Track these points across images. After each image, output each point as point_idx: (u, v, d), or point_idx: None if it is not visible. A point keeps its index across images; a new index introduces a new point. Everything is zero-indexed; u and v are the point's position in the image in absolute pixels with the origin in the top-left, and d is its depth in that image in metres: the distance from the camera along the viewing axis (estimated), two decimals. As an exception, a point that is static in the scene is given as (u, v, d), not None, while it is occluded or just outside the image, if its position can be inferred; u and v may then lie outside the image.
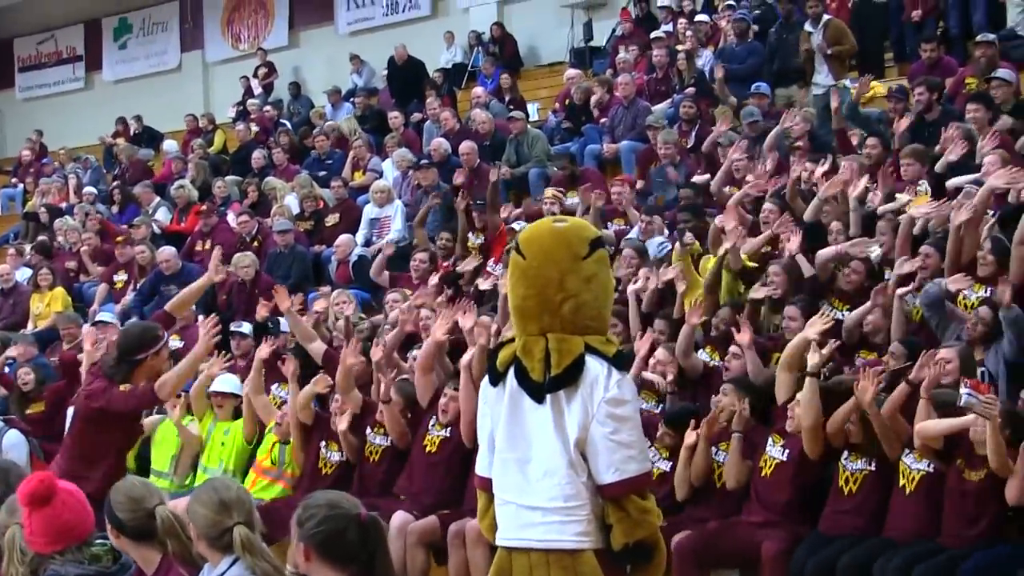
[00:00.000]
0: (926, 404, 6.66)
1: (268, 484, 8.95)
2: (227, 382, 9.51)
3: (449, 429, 8.21)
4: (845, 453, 7.03)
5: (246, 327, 10.55)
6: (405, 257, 11.94)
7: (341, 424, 8.53)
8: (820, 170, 9.99)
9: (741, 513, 7.28)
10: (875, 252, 8.68)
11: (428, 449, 8.30)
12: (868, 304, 8.07)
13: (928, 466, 6.73)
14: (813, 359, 7.12)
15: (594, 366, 4.09)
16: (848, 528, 6.88)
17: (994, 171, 8.60)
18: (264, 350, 9.34)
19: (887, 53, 13.95)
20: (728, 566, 7.24)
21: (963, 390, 6.32)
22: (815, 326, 7.37)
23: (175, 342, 10.99)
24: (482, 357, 7.83)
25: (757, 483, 7.26)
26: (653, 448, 7.55)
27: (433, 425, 8.32)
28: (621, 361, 4.17)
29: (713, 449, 7.45)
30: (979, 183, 8.64)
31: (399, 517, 7.92)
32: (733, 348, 8.07)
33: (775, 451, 7.23)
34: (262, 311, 10.25)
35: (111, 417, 6.84)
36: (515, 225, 11.44)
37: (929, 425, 6.62)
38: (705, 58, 14.39)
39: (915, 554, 6.45)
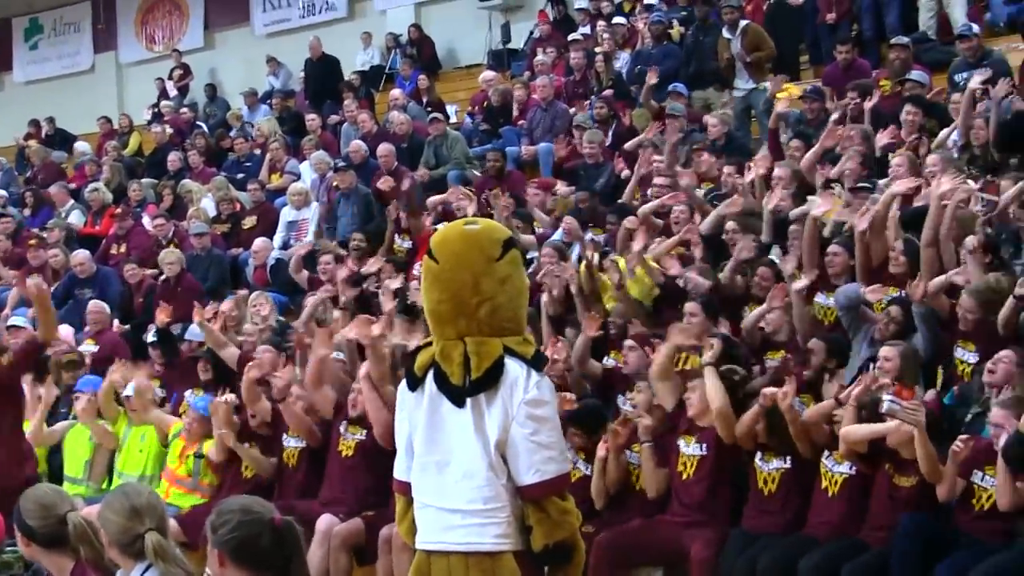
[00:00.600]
0: (851, 410, 6.70)
1: (184, 494, 8.83)
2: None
3: (365, 432, 8.16)
4: (759, 454, 7.07)
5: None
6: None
7: (227, 441, 8.52)
8: (750, 176, 10.02)
9: (664, 513, 7.29)
10: (790, 264, 8.68)
11: (344, 453, 8.26)
12: (764, 305, 8.17)
13: (850, 468, 6.78)
14: (708, 353, 7.18)
15: (513, 368, 4.08)
16: (771, 526, 6.92)
17: (900, 173, 8.72)
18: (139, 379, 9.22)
19: (803, 56, 14.10)
20: (651, 564, 7.24)
21: (885, 396, 6.38)
22: (680, 334, 7.49)
23: (89, 346, 10.85)
24: (378, 365, 7.89)
25: (678, 487, 7.25)
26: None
27: (346, 429, 8.28)
28: (540, 362, 4.17)
29: (627, 452, 7.46)
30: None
31: (325, 520, 7.87)
32: (628, 342, 8.13)
33: (691, 449, 7.23)
34: (161, 316, 10.17)
35: None
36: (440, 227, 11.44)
37: (852, 431, 6.66)
38: (622, 60, 14.48)
39: (838, 551, 6.49)
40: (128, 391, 9.26)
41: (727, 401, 7.09)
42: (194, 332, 10.30)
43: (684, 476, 7.24)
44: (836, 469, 6.83)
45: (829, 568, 6.43)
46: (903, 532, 6.33)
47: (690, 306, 8.30)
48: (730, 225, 9.26)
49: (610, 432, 7.40)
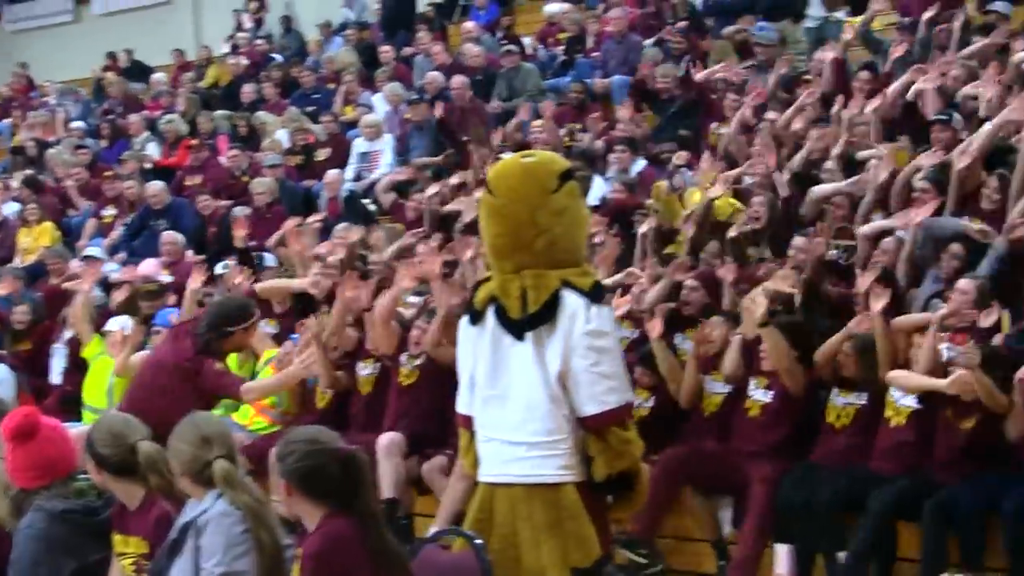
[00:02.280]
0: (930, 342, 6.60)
1: (266, 425, 8.90)
2: None
3: (422, 359, 8.18)
4: (835, 389, 7.00)
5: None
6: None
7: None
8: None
9: (731, 442, 7.22)
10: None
11: (404, 383, 8.25)
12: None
13: (916, 401, 6.70)
14: (758, 314, 7.04)
15: (571, 300, 4.11)
16: (839, 462, 6.83)
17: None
18: None
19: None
20: (718, 492, 7.19)
21: (944, 346, 6.41)
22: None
23: (166, 276, 10.95)
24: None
25: (745, 422, 7.19)
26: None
27: (407, 360, 8.27)
28: (598, 293, 4.19)
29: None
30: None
31: (386, 437, 7.86)
32: (689, 282, 8.03)
33: (759, 394, 7.17)
34: (239, 232, 10.15)
35: (195, 385, 7.00)
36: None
37: (899, 378, 6.66)
38: (698, -8, 14.28)
39: (911, 487, 6.42)
40: None
41: (792, 358, 6.99)
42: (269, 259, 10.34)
43: (751, 414, 7.17)
44: (902, 401, 6.72)
45: (902, 504, 6.40)
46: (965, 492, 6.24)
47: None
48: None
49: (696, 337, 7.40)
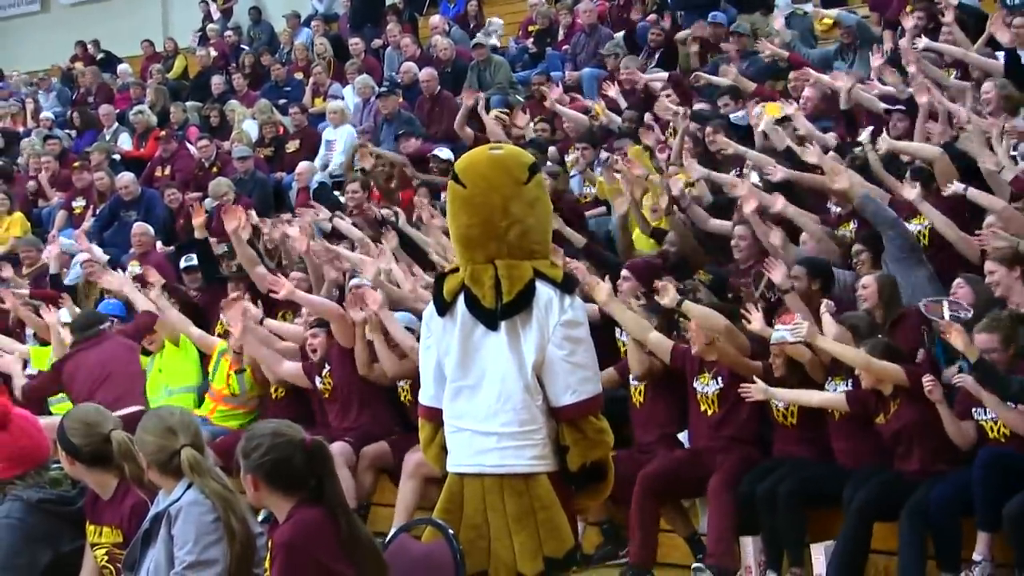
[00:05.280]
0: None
1: (229, 411, 8.93)
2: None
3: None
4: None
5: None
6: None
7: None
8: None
9: (700, 444, 7.13)
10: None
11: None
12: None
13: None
14: (665, 298, 7.03)
15: (544, 291, 4.12)
16: (799, 453, 6.81)
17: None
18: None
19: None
20: (693, 495, 7.14)
21: (773, 333, 6.45)
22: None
23: (134, 268, 10.96)
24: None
25: (705, 423, 7.04)
26: None
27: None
28: (570, 284, 4.22)
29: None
30: None
31: (335, 447, 7.76)
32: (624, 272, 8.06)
33: (709, 387, 7.01)
34: (197, 220, 10.19)
35: None
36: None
37: (790, 399, 6.76)
38: (667, -15, 14.33)
39: (879, 481, 6.36)
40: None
41: (722, 323, 6.93)
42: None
43: (710, 413, 7.03)
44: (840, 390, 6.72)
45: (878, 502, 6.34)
46: (980, 463, 6.07)
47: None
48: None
49: None
